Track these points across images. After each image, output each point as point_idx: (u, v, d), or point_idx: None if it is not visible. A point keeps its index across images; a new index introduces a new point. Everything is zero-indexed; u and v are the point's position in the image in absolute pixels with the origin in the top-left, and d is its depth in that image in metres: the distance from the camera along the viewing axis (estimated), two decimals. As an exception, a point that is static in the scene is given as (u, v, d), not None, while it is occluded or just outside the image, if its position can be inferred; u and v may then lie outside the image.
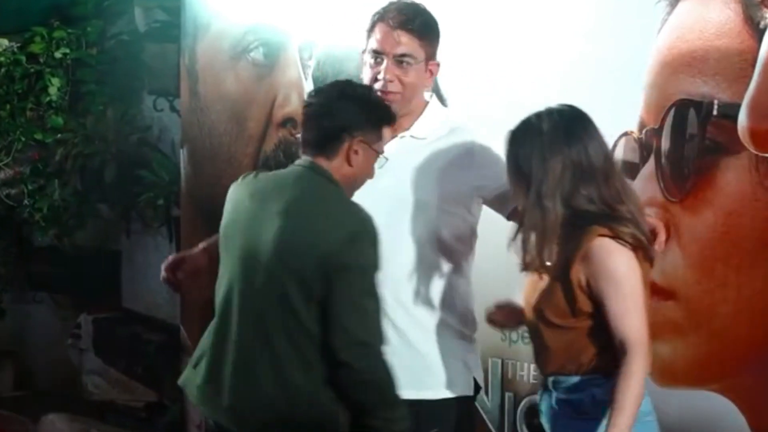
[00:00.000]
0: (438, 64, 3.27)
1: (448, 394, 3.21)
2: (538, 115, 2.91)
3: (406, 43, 3.22)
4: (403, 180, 3.20)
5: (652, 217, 3.03)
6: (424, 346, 3.20)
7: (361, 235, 2.85)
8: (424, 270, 3.19)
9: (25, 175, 6.90)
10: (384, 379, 2.88)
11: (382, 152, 3.04)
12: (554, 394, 2.91)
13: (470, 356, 3.29)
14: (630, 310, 2.76)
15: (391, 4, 3.27)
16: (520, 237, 2.87)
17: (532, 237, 2.83)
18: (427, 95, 3.34)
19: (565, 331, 2.85)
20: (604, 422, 2.72)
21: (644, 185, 3.27)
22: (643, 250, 2.80)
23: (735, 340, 3.10)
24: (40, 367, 7.48)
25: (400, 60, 3.21)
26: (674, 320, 3.21)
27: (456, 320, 3.24)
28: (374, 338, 2.86)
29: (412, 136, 3.23)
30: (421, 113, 3.27)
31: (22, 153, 6.88)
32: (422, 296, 3.18)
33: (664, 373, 3.26)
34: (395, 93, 3.21)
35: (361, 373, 2.84)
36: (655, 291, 3.23)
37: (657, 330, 3.24)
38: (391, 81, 3.22)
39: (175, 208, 6.07)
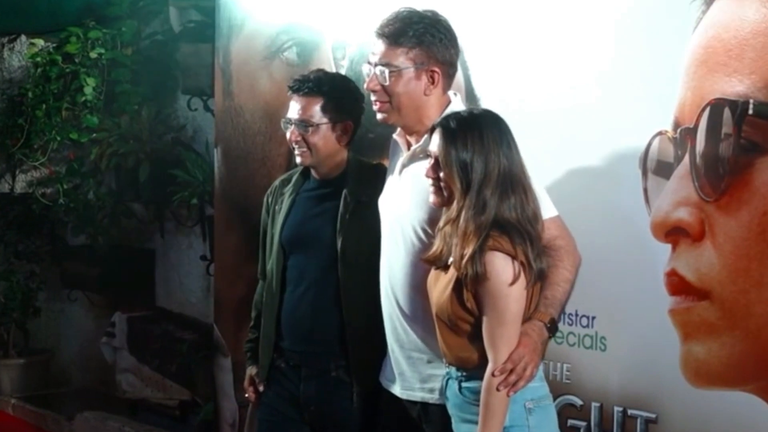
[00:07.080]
0: (441, 70, 3.19)
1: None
2: (470, 113, 2.98)
3: (381, 51, 3.20)
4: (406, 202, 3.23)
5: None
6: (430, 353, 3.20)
7: None
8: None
9: (61, 174, 6.96)
10: None
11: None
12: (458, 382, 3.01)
13: None
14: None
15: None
16: (447, 228, 2.94)
17: (459, 230, 2.88)
18: (451, 93, 3.29)
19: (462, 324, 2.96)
20: None
21: (679, 184, 3.25)
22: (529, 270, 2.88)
23: (770, 340, 3.07)
24: (75, 365, 7.54)
25: (382, 69, 3.18)
26: (709, 320, 3.18)
27: None
28: None
29: (422, 150, 3.17)
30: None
31: (57, 152, 6.95)
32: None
33: (699, 374, 3.23)
34: (382, 102, 3.21)
35: None
36: (690, 291, 3.23)
37: (691, 330, 3.24)
38: (374, 90, 3.22)
39: (208, 208, 6.10)
